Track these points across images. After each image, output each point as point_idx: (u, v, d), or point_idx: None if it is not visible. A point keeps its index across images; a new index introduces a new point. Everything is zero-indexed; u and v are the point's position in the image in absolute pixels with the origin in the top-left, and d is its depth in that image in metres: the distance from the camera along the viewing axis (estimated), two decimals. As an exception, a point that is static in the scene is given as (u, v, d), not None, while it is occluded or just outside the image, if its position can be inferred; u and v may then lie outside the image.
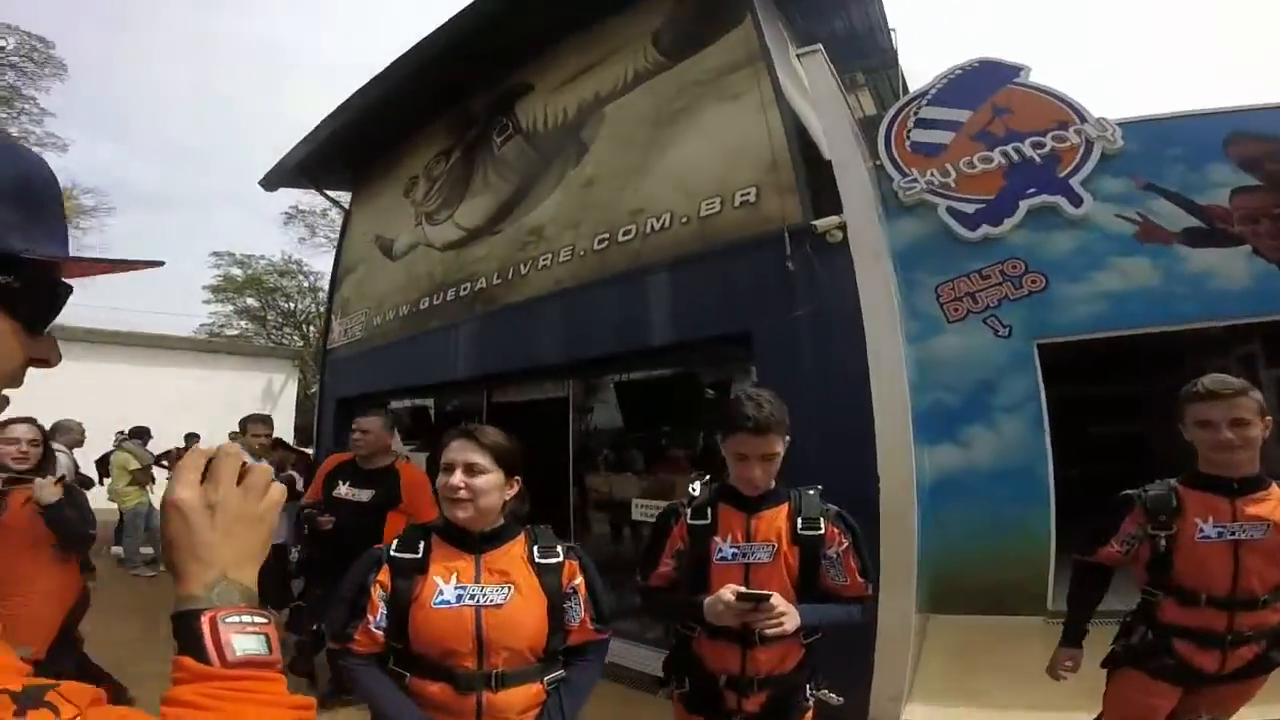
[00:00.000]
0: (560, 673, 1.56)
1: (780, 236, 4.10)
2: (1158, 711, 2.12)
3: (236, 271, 19.26)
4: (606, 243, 5.12)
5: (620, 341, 4.58)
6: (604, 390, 5.10)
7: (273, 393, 12.90)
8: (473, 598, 1.45)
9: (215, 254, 19.64)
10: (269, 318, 19.72)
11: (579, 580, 1.60)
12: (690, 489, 2.06)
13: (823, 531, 1.80)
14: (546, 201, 5.95)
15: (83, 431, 6.28)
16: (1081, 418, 7.01)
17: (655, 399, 4.84)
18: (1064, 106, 5.29)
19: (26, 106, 16.15)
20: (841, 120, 4.67)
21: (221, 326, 19.31)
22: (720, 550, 1.81)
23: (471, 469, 1.51)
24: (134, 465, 6.96)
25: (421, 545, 1.53)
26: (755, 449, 1.77)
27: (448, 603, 1.45)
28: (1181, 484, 2.03)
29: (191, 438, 6.70)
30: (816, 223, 4.00)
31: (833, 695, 1.91)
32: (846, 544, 1.82)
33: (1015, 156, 5.24)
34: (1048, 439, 4.77)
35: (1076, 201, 5.03)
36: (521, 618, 1.47)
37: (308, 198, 16.01)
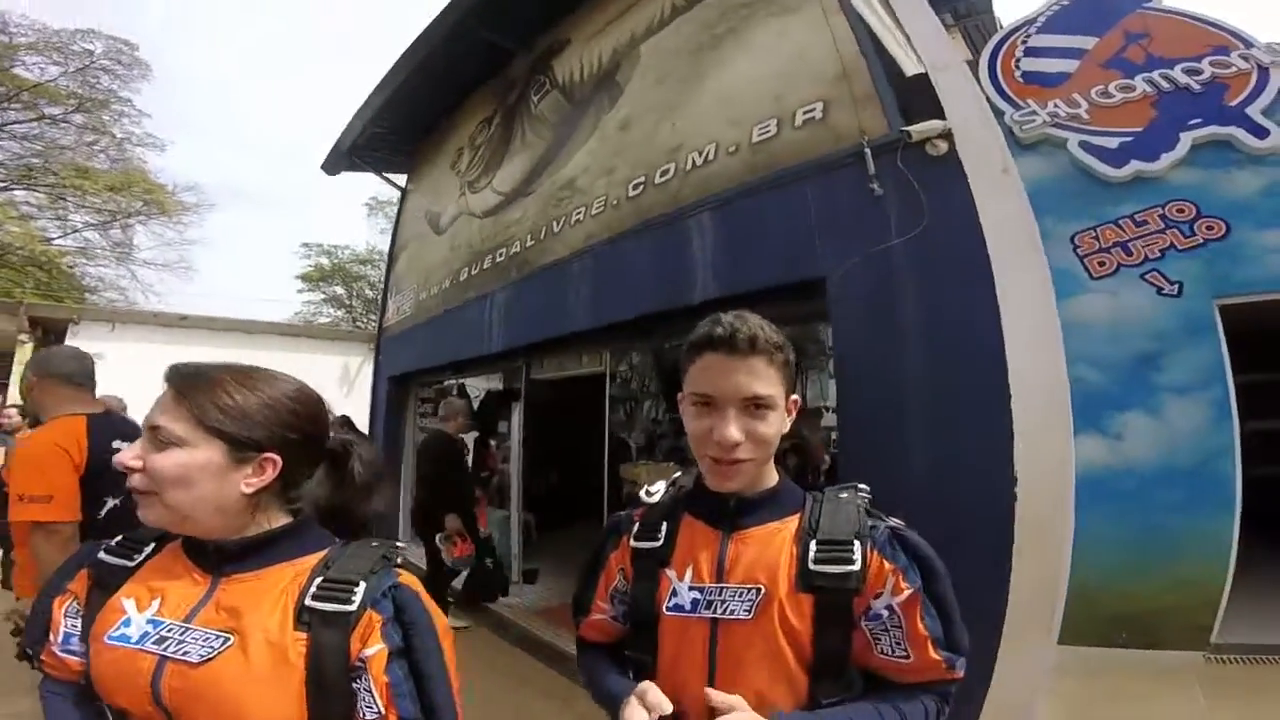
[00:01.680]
0: None
1: (859, 153, 2.97)
2: None
3: (324, 261, 19.58)
4: (642, 187, 4.14)
5: (657, 300, 3.60)
6: (647, 362, 4.11)
7: (349, 374, 12.83)
8: (161, 641, 0.83)
9: (305, 245, 20.12)
10: (354, 305, 19.97)
11: (375, 649, 0.84)
12: (645, 490, 1.16)
13: (858, 567, 0.94)
14: (580, 152, 5.08)
15: (123, 404, 5.94)
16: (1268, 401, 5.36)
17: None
18: (1218, 30, 3.95)
19: (124, 109, 16.45)
20: (931, 22, 3.44)
21: (314, 314, 19.80)
22: (675, 593, 1.01)
23: (155, 435, 0.85)
24: None
25: (151, 547, 0.93)
26: (728, 384, 0.95)
27: (125, 639, 0.84)
28: None
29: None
30: (911, 128, 2.85)
31: None
32: (909, 591, 0.94)
33: (1165, 85, 3.89)
34: (1236, 428, 3.43)
35: (1259, 132, 3.65)
36: (230, 688, 0.80)
37: (386, 189, 15.89)
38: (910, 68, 3.16)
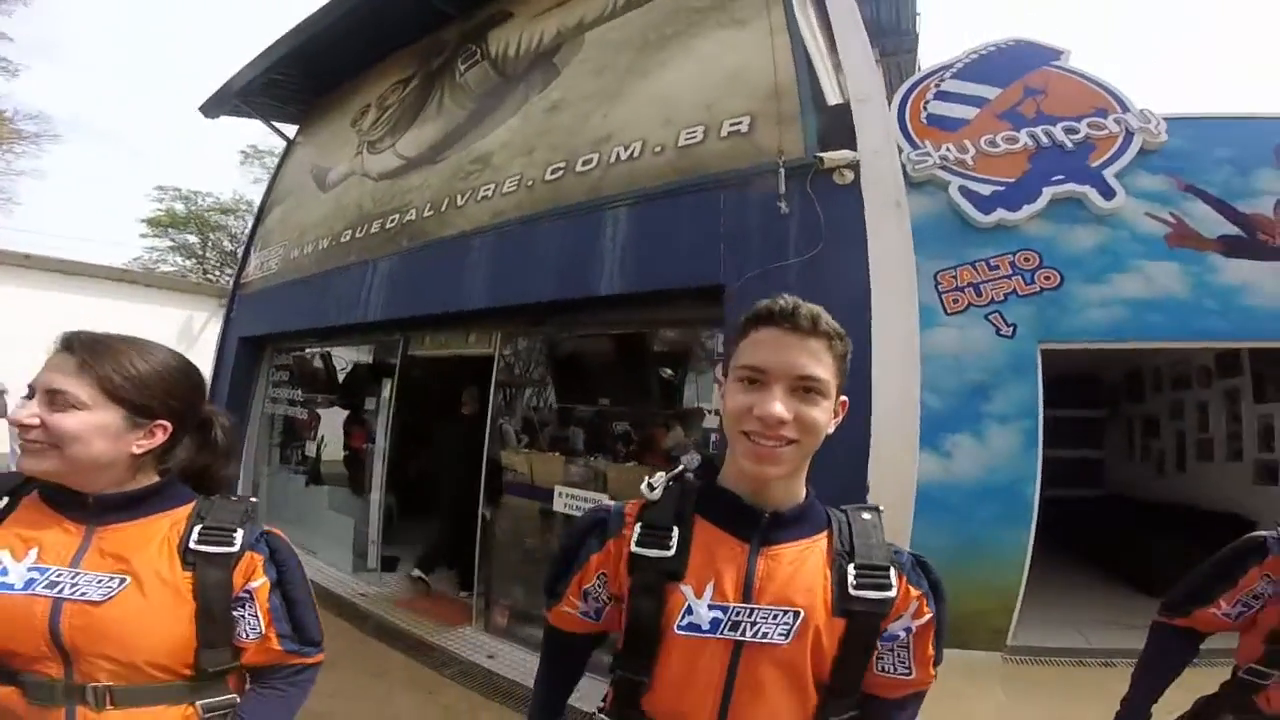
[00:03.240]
0: (230, 698, 1.05)
1: (774, 171, 3.10)
2: None
3: (179, 206, 17.54)
4: (561, 172, 4.05)
5: (560, 288, 3.51)
6: (536, 349, 4.00)
7: (191, 331, 11.36)
8: (53, 585, 0.93)
9: (159, 188, 17.86)
10: (207, 256, 17.99)
11: (259, 582, 1.05)
12: (646, 484, 1.00)
13: (894, 594, 0.92)
14: (500, 128, 4.91)
15: None
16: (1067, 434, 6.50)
17: (594, 364, 3.76)
18: (1105, 93, 4.63)
19: None
20: (864, 51, 3.71)
21: (157, 262, 17.56)
22: (690, 611, 0.90)
23: (55, 399, 0.94)
24: None
25: (7, 499, 0.99)
26: (783, 358, 0.87)
27: (8, 587, 0.92)
28: None
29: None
30: (823, 155, 3.02)
31: None
32: (930, 616, 0.96)
33: (1045, 140, 4.49)
34: (1039, 457, 4.01)
35: (1108, 194, 4.29)
36: (134, 623, 0.95)
37: (270, 139, 14.58)
38: (831, 96, 3.37)
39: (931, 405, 4.02)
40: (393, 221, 5.20)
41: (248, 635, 1.05)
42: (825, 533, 0.95)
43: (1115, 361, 6.60)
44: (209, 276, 17.02)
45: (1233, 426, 5.63)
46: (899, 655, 0.97)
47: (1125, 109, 4.42)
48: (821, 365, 0.87)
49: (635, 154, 3.75)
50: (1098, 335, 4.18)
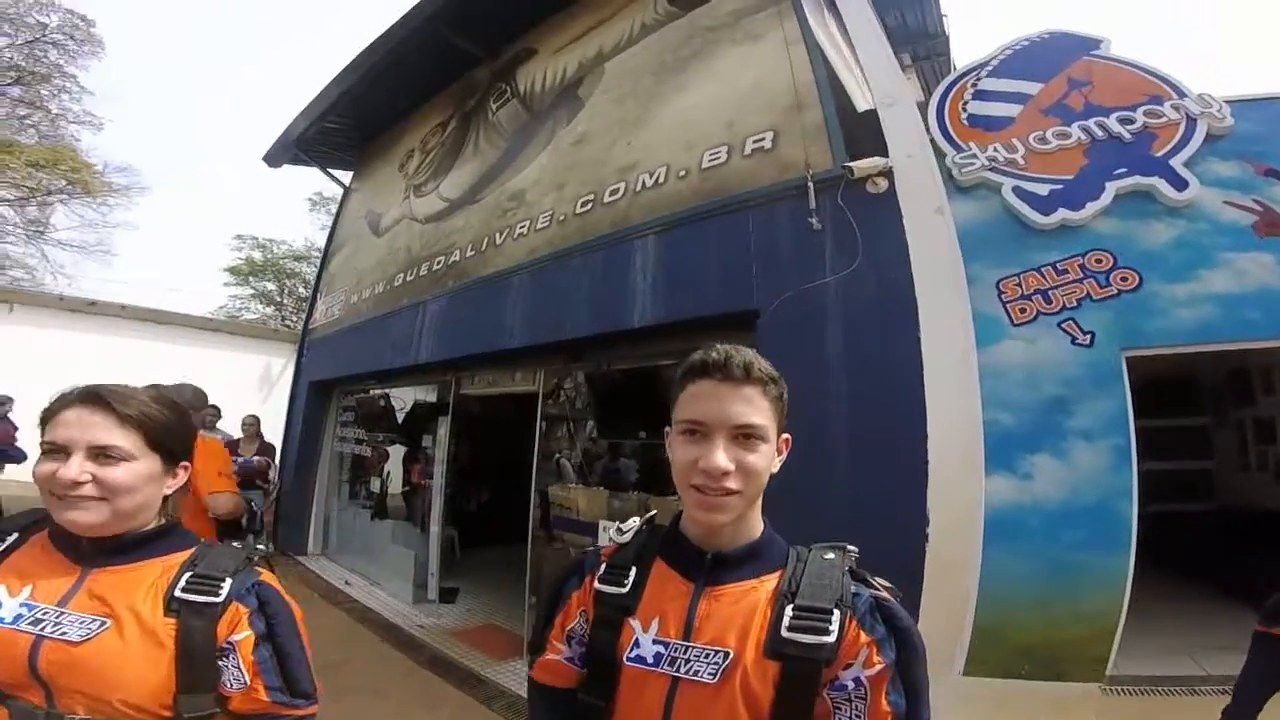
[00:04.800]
0: None
1: (802, 186, 2.91)
2: None
3: (257, 255, 18.48)
4: (590, 205, 3.98)
5: (595, 322, 3.43)
6: (578, 384, 3.91)
7: (270, 375, 11.94)
8: (36, 622, 0.96)
9: (238, 236, 18.91)
10: (285, 303, 18.87)
11: (243, 635, 1.02)
12: (616, 528, 1.06)
13: (833, 639, 0.85)
14: (532, 165, 4.90)
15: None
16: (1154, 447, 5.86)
17: (633, 397, 3.63)
18: (1155, 80, 4.08)
19: (66, 84, 15.13)
20: (884, 54, 3.47)
21: (240, 310, 18.56)
22: (638, 644, 0.93)
23: (103, 453, 0.97)
24: None
25: (14, 538, 1.05)
26: (719, 410, 0.88)
27: None
28: None
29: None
30: (853, 164, 2.81)
31: None
32: (881, 666, 0.86)
33: (1099, 133, 4.00)
34: (1134, 473, 3.52)
35: (1180, 184, 3.77)
36: (109, 664, 0.96)
37: (332, 186, 15.29)
38: (861, 103, 3.15)
39: (1004, 423, 3.62)
40: (439, 263, 5.26)
41: (232, 686, 1.03)
42: (778, 572, 0.92)
43: (1214, 363, 5.89)
44: (286, 323, 17.89)
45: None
46: (855, 709, 0.86)
47: (1182, 94, 3.93)
48: (758, 412, 0.88)
49: (660, 180, 3.64)
50: (1189, 338, 3.60)
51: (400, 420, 5.60)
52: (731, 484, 0.85)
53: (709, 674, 0.86)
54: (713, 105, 3.66)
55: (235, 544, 1.14)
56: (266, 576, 1.09)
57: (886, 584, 0.92)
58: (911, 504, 2.33)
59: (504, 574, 5.62)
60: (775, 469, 0.91)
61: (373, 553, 5.60)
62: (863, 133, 3.06)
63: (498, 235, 4.67)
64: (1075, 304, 3.71)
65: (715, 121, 3.58)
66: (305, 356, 6.97)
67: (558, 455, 4.08)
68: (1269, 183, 3.76)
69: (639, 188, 3.72)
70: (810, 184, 2.90)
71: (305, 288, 18.18)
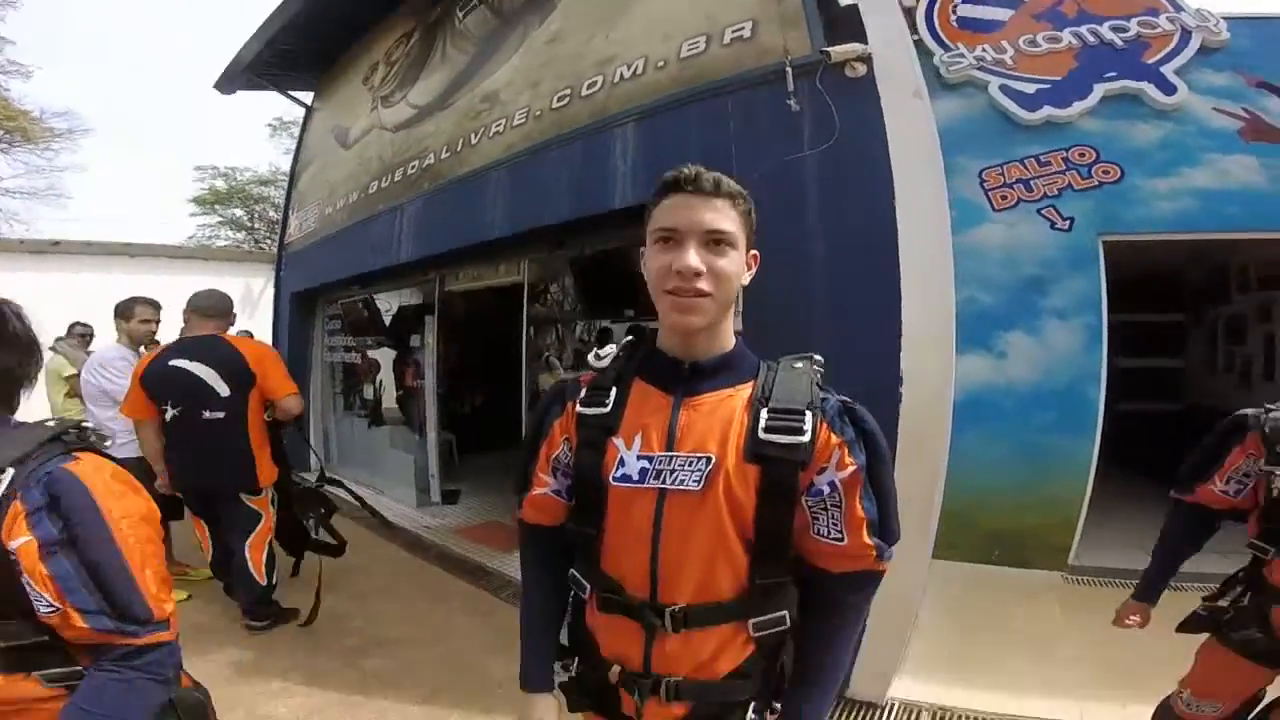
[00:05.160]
0: (73, 669, 0.87)
1: (780, 71, 2.94)
2: (1240, 689, 1.66)
3: (220, 184, 17.77)
4: (567, 99, 3.93)
5: (576, 208, 3.48)
6: (562, 270, 3.99)
7: (252, 296, 11.72)
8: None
9: (199, 168, 18.15)
10: (256, 227, 18.30)
11: (21, 540, 0.82)
12: (594, 354, 1.06)
13: (807, 439, 0.88)
14: (504, 67, 4.77)
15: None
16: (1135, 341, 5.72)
17: (616, 276, 3.72)
18: None
19: None
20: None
21: (211, 238, 17.99)
22: (623, 463, 0.94)
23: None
24: (68, 371, 5.40)
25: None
26: (691, 217, 0.90)
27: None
28: None
29: (76, 327, 5.37)
30: (832, 49, 2.83)
31: None
32: (853, 468, 0.90)
33: (1091, 39, 4.04)
34: (1104, 356, 3.70)
35: (1169, 89, 3.87)
36: None
37: (293, 110, 14.43)
38: (842, -1, 3.13)
39: (981, 301, 3.78)
40: (414, 168, 5.19)
41: (41, 610, 0.80)
42: (751, 382, 0.94)
43: (1196, 259, 5.84)
44: (260, 245, 17.37)
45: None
46: (831, 517, 0.91)
47: (1179, 8, 3.94)
48: (727, 220, 0.90)
49: (639, 71, 3.61)
50: (1166, 227, 3.77)
51: (388, 324, 5.62)
52: (704, 285, 0.87)
53: (694, 481, 0.88)
54: (692, -2, 3.60)
55: (50, 420, 0.90)
56: (80, 461, 0.86)
57: (843, 399, 0.95)
58: (886, 370, 2.46)
59: (502, 476, 5.81)
60: (745, 281, 0.94)
61: (374, 462, 5.76)
62: (842, 23, 3.06)
63: (472, 136, 4.60)
64: (1056, 193, 3.84)
65: (694, 13, 3.51)
66: (284, 271, 6.89)
67: (546, 354, 4.20)
68: (1260, 94, 3.85)
69: (617, 79, 3.68)
70: (789, 68, 2.92)
71: (275, 210, 17.60)
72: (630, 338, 1.04)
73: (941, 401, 2.53)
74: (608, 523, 0.94)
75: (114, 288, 9.83)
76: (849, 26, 2.99)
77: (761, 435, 0.88)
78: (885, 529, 0.91)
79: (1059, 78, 3.95)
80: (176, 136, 36.79)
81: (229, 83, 7.54)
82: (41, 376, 0.97)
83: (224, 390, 2.90)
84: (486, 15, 5.34)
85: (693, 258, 0.86)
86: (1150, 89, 3.83)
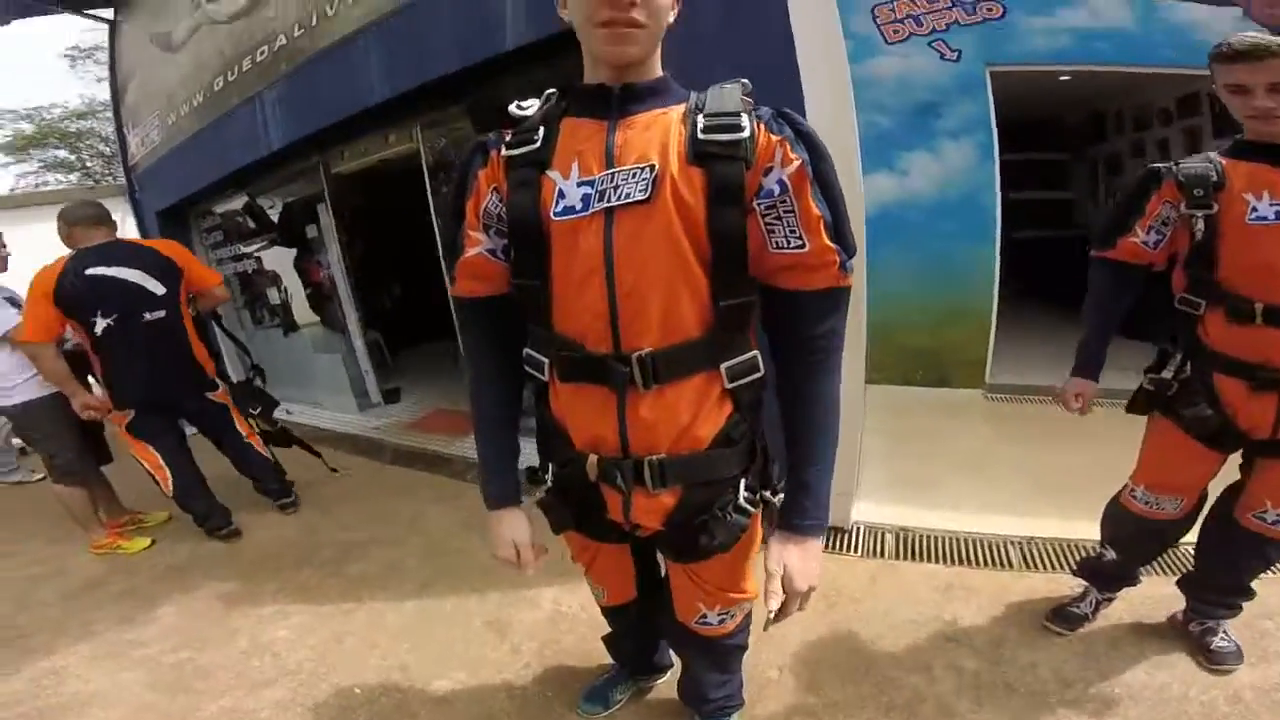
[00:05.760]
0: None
1: None
2: (1197, 477, 1.58)
3: (26, 126, 14.88)
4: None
5: (463, 55, 3.25)
6: (462, 132, 3.74)
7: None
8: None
9: (-9, 114, 14.95)
10: (90, 165, 15.71)
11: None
12: (516, 105, 0.97)
13: (747, 135, 0.85)
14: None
15: None
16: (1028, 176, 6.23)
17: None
18: None
19: None
20: None
21: (37, 186, 15.29)
22: (563, 195, 0.89)
23: None
24: None
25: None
26: None
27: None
28: (1224, 155, 1.40)
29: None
30: None
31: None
32: (798, 162, 0.86)
33: None
34: (996, 167, 4.05)
35: None
36: None
37: (90, 35, 11.93)
38: None
39: (881, 124, 4.02)
40: (263, 53, 4.60)
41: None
42: (683, 104, 0.92)
43: (1074, 102, 6.32)
44: (99, 182, 15.00)
45: (1194, 162, 5.62)
46: (787, 225, 0.86)
47: None
48: None
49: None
50: (1045, 58, 4.00)
51: (275, 222, 5.14)
52: (638, 15, 0.82)
53: (640, 191, 0.84)
54: None
55: None
56: None
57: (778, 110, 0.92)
58: None
59: (438, 365, 5.75)
60: (671, 18, 0.90)
61: (302, 374, 5.48)
62: None
63: (328, 8, 4.07)
64: (944, 27, 4.03)
65: None
66: (139, 193, 6.08)
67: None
68: None
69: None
70: None
71: (106, 144, 15.12)
72: (551, 90, 0.98)
73: (855, 222, 2.64)
74: (554, 268, 0.90)
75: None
76: None
77: (700, 136, 0.85)
78: (840, 233, 0.87)
79: None
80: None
81: (4, 11, 6.15)
82: None
83: (159, 289, 2.79)
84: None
85: None
86: None
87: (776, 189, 0.85)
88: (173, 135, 5.49)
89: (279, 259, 5.21)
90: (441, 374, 5.55)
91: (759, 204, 0.86)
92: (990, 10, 3.96)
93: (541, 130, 0.91)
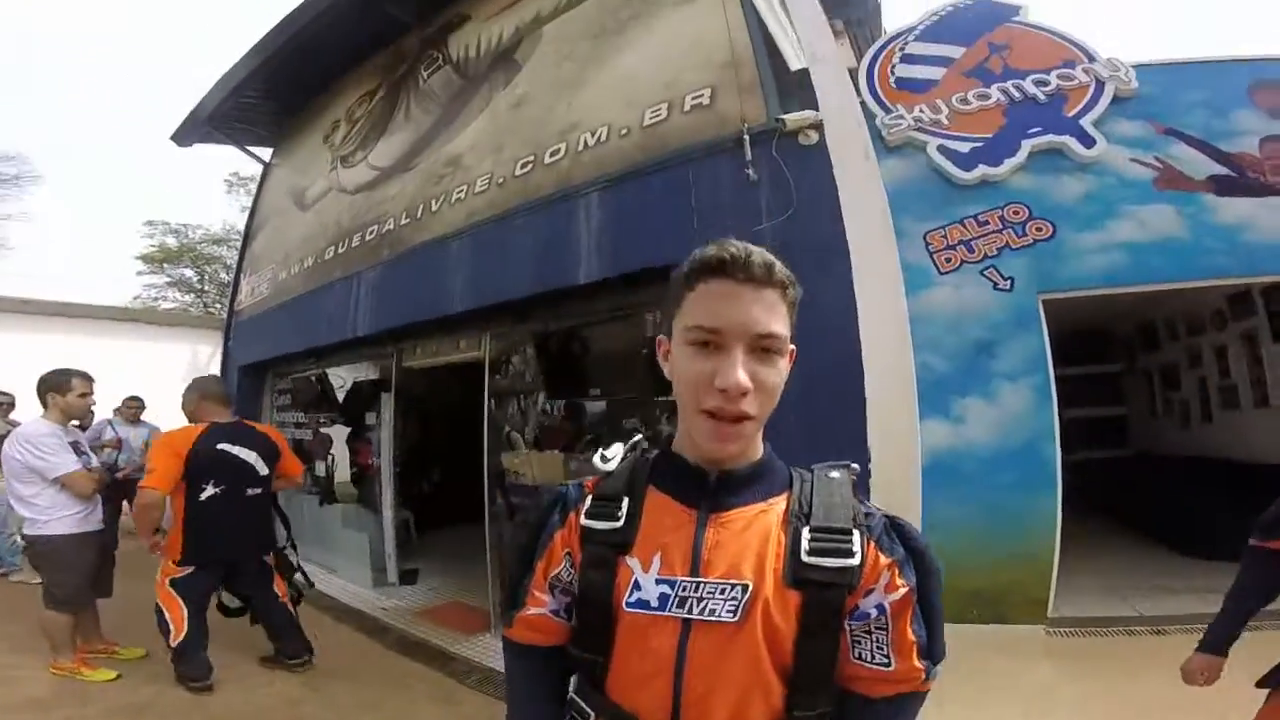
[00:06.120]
0: None
1: (738, 140, 3.03)
2: None
3: (171, 241, 17.55)
4: (530, 166, 3.99)
5: (539, 281, 3.47)
6: (525, 346, 3.96)
7: (198, 365, 11.42)
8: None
9: (149, 223, 17.87)
10: (207, 289, 18.03)
11: None
12: (599, 455, 0.95)
13: (858, 562, 0.79)
14: (468, 130, 4.85)
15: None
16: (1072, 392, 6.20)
17: (583, 355, 3.71)
18: (1068, 45, 4.53)
19: None
20: (813, 11, 3.62)
21: (157, 299, 17.64)
22: (638, 586, 0.81)
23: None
24: None
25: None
26: (740, 315, 0.76)
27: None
28: None
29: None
30: (785, 117, 2.95)
31: None
32: (904, 590, 0.80)
33: (1016, 94, 4.39)
34: (1055, 413, 3.87)
35: (1088, 142, 4.19)
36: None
37: (250, 166, 14.43)
38: (793, 61, 3.29)
39: (936, 368, 3.94)
40: (372, 233, 5.16)
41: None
42: (785, 495, 0.84)
43: (1125, 312, 6.29)
44: (209, 310, 17.07)
45: (1255, 371, 5.30)
46: (876, 641, 0.81)
47: (1092, 59, 4.34)
48: (779, 319, 0.78)
49: (602, 139, 3.69)
50: (1098, 282, 4.02)
51: (341, 400, 5.50)
52: (748, 406, 0.75)
53: (729, 611, 0.77)
54: (653, 65, 3.72)
55: None
56: None
57: (887, 512, 0.87)
58: (853, 446, 2.50)
59: (463, 553, 5.63)
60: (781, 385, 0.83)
61: (325, 539, 5.51)
62: (795, 89, 3.20)
63: (433, 202, 4.62)
64: (995, 252, 4.07)
65: (655, 81, 3.65)
66: (233, 340, 6.73)
67: (508, 429, 4.13)
68: (1169, 140, 4.16)
69: (580, 147, 3.76)
70: (746, 137, 3.02)
71: (227, 272, 17.36)
72: (638, 438, 0.94)
73: (910, 469, 2.56)
74: (617, 649, 0.83)
75: (49, 349, 9.62)
76: (801, 92, 3.13)
77: (805, 558, 0.77)
78: (933, 648, 0.82)
79: (990, 135, 4.24)
80: (129, 188, 36.57)
81: (186, 135, 7.54)
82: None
83: (263, 470, 3.34)
84: (451, 76, 5.47)
85: (742, 374, 0.73)
86: (1072, 142, 4.13)
87: (874, 612, 0.80)
88: (278, 293, 6.15)
89: (334, 433, 5.48)
90: (464, 560, 5.40)
91: (850, 624, 0.80)
92: (1040, 230, 4.02)
93: (625, 504, 0.84)
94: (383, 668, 3.68)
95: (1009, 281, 4.02)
